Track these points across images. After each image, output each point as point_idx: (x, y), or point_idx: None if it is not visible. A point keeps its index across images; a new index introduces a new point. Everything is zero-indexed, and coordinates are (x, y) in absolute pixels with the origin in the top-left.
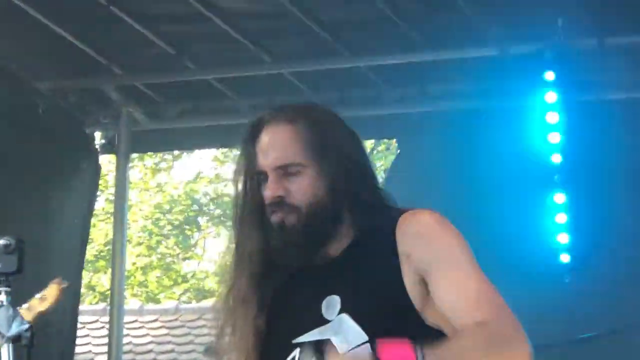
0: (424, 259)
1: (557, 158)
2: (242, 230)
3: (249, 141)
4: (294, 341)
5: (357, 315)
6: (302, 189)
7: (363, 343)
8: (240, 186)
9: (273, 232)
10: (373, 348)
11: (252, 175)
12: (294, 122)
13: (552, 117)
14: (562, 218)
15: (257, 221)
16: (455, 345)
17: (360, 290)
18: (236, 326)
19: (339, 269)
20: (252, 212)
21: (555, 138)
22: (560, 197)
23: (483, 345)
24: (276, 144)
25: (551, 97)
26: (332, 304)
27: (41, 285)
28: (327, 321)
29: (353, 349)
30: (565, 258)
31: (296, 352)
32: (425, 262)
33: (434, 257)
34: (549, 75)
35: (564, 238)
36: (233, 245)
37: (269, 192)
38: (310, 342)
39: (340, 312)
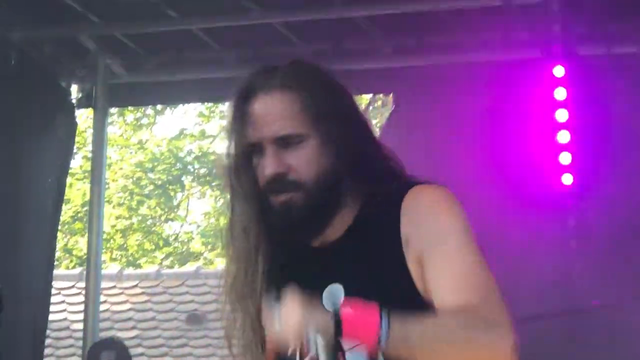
0: (420, 243)
1: (563, 115)
2: (235, 210)
3: (238, 109)
4: None
5: None
6: (306, 162)
7: None
8: (230, 160)
9: (274, 212)
10: (337, 310)
11: (243, 147)
12: (290, 88)
13: (559, 71)
14: (567, 179)
15: (252, 200)
16: (430, 322)
17: (364, 279)
18: (241, 314)
19: (341, 252)
20: (245, 190)
21: (561, 94)
22: (565, 158)
23: (460, 328)
24: (273, 114)
25: (557, 50)
26: (335, 294)
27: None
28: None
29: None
30: (571, 221)
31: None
32: (420, 246)
33: (428, 241)
34: (556, 27)
35: (570, 203)
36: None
37: (269, 169)
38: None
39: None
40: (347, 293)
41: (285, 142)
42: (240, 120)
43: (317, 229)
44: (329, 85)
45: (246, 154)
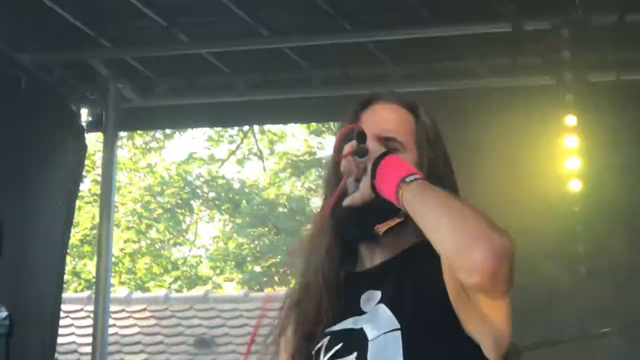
0: None
1: (572, 141)
2: (325, 200)
3: (354, 111)
4: (326, 330)
5: (395, 308)
6: None
7: (394, 330)
8: (335, 150)
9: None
10: (381, 155)
11: (349, 138)
12: (406, 106)
13: (568, 98)
14: (576, 206)
15: (333, 190)
16: (451, 196)
17: (402, 288)
18: (296, 314)
19: (392, 269)
20: (333, 183)
21: (571, 120)
22: (575, 184)
23: (471, 211)
24: (386, 117)
25: (567, 77)
26: (371, 298)
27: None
28: (364, 313)
29: (383, 334)
30: (580, 248)
31: (324, 341)
32: None
33: None
34: (565, 54)
35: (577, 228)
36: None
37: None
38: (341, 330)
39: (378, 304)
40: (383, 298)
41: (387, 145)
42: (353, 119)
43: (368, 228)
44: (436, 122)
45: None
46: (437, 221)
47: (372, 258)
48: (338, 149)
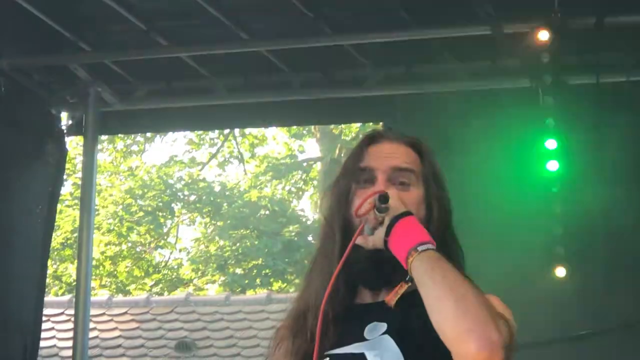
0: None
1: (552, 144)
2: (326, 231)
3: (361, 145)
4: (325, 352)
5: (400, 341)
6: (407, 201)
7: None
8: (338, 182)
9: (358, 247)
10: (400, 215)
11: (353, 170)
12: (410, 146)
13: (547, 101)
14: (557, 208)
15: (343, 232)
16: (461, 276)
17: (409, 323)
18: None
19: (398, 305)
20: (340, 221)
21: (550, 122)
22: (555, 186)
23: (478, 301)
24: (395, 153)
25: (546, 79)
26: (377, 328)
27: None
28: (366, 340)
29: None
30: (560, 250)
31: None
32: None
33: None
34: (545, 57)
35: (557, 230)
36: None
37: (378, 187)
38: (342, 354)
39: (383, 334)
40: (389, 330)
41: (396, 177)
42: (360, 152)
43: (388, 275)
44: (439, 168)
45: (351, 177)
46: (440, 302)
47: (375, 295)
48: (358, 206)
